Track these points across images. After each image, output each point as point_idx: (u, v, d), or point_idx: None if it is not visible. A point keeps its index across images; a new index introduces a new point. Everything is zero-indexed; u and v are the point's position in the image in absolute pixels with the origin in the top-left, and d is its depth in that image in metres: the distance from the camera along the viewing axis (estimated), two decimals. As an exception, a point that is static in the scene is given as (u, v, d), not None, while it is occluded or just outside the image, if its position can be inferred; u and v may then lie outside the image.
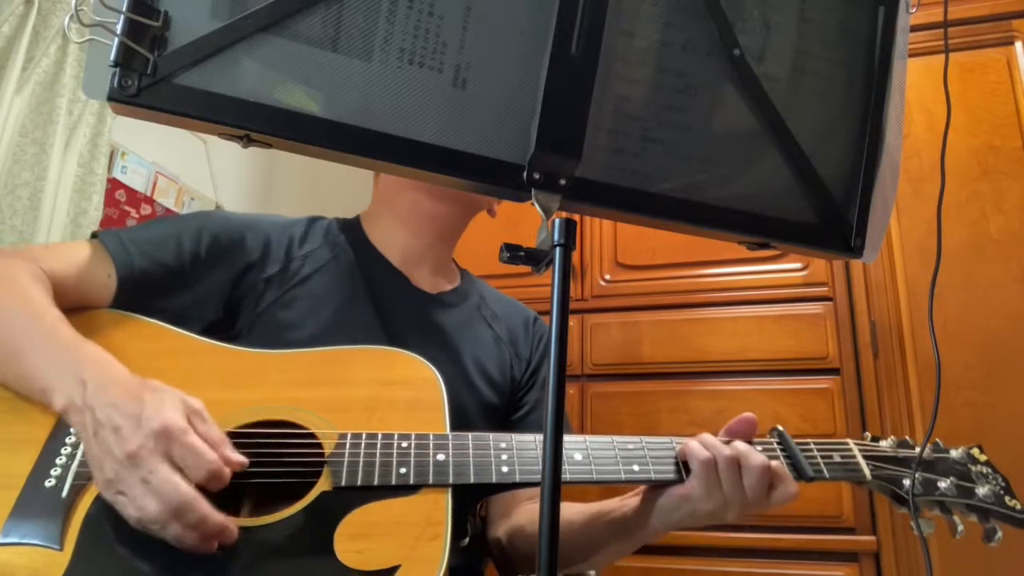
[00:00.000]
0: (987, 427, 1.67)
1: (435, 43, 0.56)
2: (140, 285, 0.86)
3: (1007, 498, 0.86)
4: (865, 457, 0.86)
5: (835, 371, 1.82)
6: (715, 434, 0.83)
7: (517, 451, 0.78)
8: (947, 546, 1.60)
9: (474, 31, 0.57)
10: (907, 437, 0.92)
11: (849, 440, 0.89)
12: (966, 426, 1.68)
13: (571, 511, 0.91)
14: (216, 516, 0.65)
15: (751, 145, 0.63)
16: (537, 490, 0.78)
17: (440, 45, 0.56)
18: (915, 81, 1.37)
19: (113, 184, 2.15)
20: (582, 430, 1.95)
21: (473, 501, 0.98)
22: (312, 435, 0.76)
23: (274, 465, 0.73)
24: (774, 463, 0.79)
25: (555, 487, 0.51)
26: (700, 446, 0.80)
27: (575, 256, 2.09)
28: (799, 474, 0.82)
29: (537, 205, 0.57)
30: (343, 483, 0.71)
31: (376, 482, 0.72)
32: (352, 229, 1.05)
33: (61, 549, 0.65)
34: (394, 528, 0.69)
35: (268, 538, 0.68)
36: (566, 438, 0.77)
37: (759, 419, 0.85)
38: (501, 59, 0.57)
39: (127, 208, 2.20)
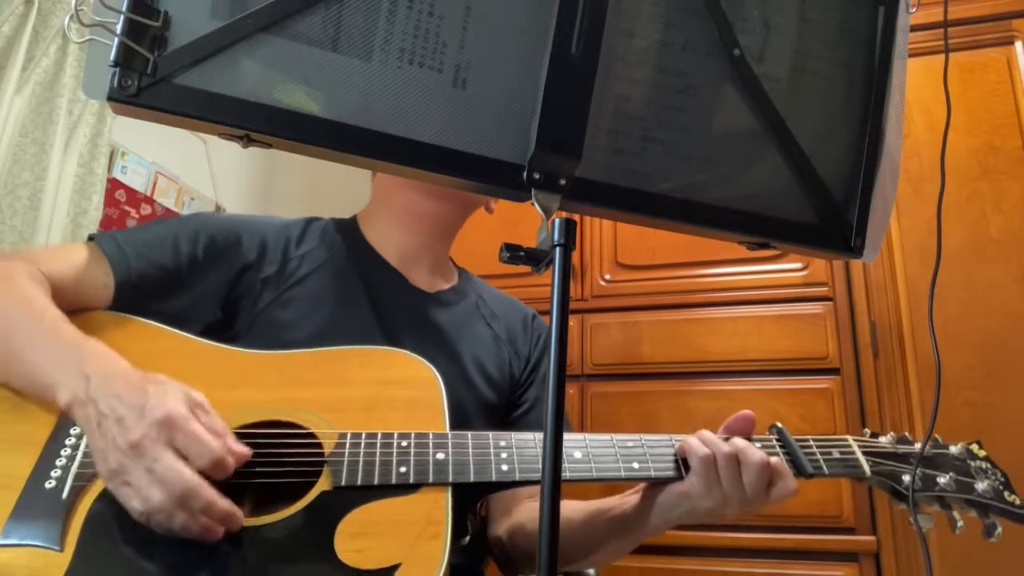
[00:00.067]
0: (987, 427, 1.67)
1: (435, 43, 0.56)
2: (137, 287, 0.86)
3: (1006, 493, 0.86)
4: (864, 453, 0.86)
5: (835, 371, 1.82)
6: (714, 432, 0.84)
7: (517, 449, 0.78)
8: (947, 546, 1.61)
9: (474, 31, 0.57)
10: (906, 433, 0.92)
11: (848, 436, 0.89)
12: (966, 426, 1.68)
13: (571, 509, 0.92)
14: (222, 502, 0.65)
15: (751, 145, 0.63)
16: (537, 488, 0.79)
17: (440, 45, 0.56)
18: (915, 81, 1.37)
19: (113, 184, 2.15)
20: (582, 430, 1.95)
21: (473, 500, 0.98)
22: (312, 435, 0.76)
23: (274, 465, 0.73)
24: (773, 459, 0.80)
25: (555, 485, 0.51)
26: (699, 443, 0.80)
27: (575, 256, 2.09)
28: (798, 470, 0.82)
29: (537, 205, 0.57)
30: (343, 482, 0.72)
31: (376, 481, 0.72)
32: (349, 229, 1.05)
33: (61, 550, 0.65)
34: (394, 527, 0.69)
35: (269, 538, 0.68)
36: (566, 436, 0.77)
37: (759, 419, 0.85)
38: (501, 59, 0.57)
39: (127, 208, 2.20)
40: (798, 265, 1.92)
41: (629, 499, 0.87)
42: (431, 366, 0.82)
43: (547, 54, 0.57)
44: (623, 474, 0.80)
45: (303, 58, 0.54)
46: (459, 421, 0.81)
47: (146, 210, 2.26)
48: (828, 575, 1.69)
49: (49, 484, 0.69)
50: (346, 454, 0.74)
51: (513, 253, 0.58)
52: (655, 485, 0.83)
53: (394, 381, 0.81)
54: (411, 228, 1.04)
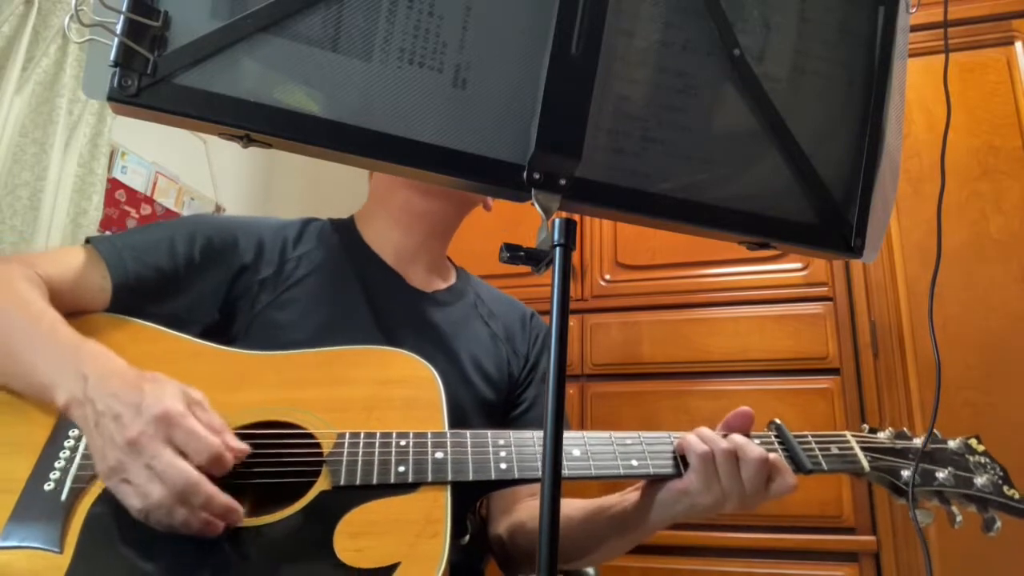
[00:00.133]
0: (987, 427, 1.67)
1: (435, 43, 0.56)
2: (135, 290, 0.86)
3: (1005, 487, 0.86)
4: (863, 449, 0.86)
5: (835, 371, 1.82)
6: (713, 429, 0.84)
7: (515, 448, 0.78)
8: (947, 546, 1.61)
9: (474, 31, 0.57)
10: (904, 429, 0.92)
11: (847, 432, 0.89)
12: (966, 426, 1.68)
13: (571, 507, 0.92)
14: (222, 496, 0.65)
15: (751, 145, 0.63)
16: (537, 486, 0.79)
17: (440, 45, 0.56)
18: (915, 81, 1.37)
19: (113, 184, 2.15)
20: (582, 430, 1.95)
21: (473, 499, 0.98)
22: (310, 435, 0.76)
23: (273, 465, 0.73)
24: (772, 456, 0.80)
25: (555, 483, 0.51)
26: (698, 440, 0.80)
27: (575, 256, 2.09)
28: (797, 467, 0.82)
29: (537, 205, 0.57)
30: (342, 482, 0.72)
31: (375, 481, 0.72)
32: (346, 229, 1.05)
33: (61, 552, 0.65)
34: (393, 526, 0.69)
35: (268, 538, 0.68)
36: (564, 434, 0.77)
37: (759, 419, 0.85)
38: (501, 59, 0.57)
39: (127, 208, 2.20)
40: (798, 265, 1.92)
41: (628, 497, 0.88)
42: (429, 365, 0.82)
43: (547, 54, 0.57)
44: (622, 472, 0.80)
45: (303, 58, 0.54)
46: (458, 420, 0.81)
47: (146, 210, 2.26)
48: (828, 575, 1.69)
49: (48, 486, 0.69)
50: (345, 454, 0.74)
51: (513, 253, 0.58)
52: (654, 482, 0.83)
53: (392, 381, 0.81)
54: (408, 228, 1.04)
